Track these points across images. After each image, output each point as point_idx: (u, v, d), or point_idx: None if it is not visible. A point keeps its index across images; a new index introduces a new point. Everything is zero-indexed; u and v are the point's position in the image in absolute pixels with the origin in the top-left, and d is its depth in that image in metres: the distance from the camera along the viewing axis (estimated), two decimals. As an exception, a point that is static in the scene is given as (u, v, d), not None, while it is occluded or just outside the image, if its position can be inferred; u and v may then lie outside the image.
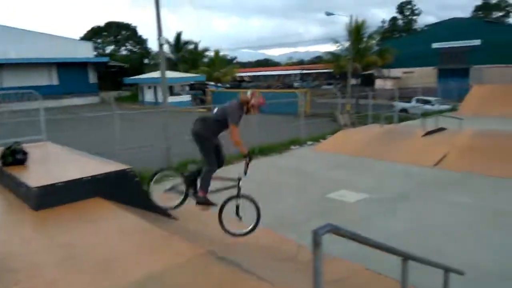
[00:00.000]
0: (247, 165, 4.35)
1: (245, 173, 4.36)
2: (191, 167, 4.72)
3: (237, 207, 4.36)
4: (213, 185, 4.49)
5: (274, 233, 5.51)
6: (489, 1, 63.41)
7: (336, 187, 8.12)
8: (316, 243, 1.91)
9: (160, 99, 29.04)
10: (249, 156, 4.35)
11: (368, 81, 44.99)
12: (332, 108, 18.96)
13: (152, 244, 3.07)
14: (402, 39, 47.99)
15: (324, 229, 1.94)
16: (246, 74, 73.90)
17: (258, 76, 71.20)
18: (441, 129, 12.02)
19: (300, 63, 78.59)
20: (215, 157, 4.41)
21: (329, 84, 51.58)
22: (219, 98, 32.51)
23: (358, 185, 8.29)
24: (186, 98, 35.24)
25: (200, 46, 43.85)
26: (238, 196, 4.36)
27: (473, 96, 21.07)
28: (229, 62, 57.06)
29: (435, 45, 39.62)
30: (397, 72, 42.31)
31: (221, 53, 44.90)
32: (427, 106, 24.46)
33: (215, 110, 4.49)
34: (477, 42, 36.52)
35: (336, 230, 2.04)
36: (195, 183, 4.54)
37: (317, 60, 52.82)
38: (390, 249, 2.50)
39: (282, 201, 7.36)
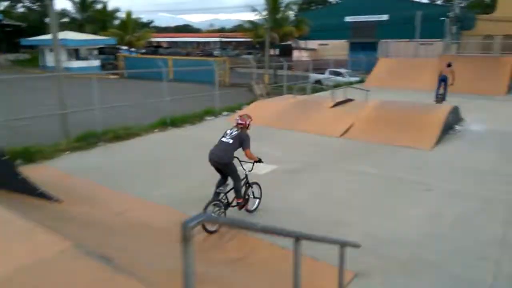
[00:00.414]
0: (253, 164, 5.57)
1: (251, 170, 5.61)
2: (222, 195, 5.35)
3: (252, 192, 5.64)
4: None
5: (176, 211, 5.19)
6: (396, -21, 67.44)
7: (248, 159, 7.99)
8: (186, 237, 1.58)
9: (66, 63, 26.20)
10: (259, 160, 5.50)
11: (286, 52, 45.72)
12: (252, 78, 18.92)
13: (9, 238, 2.54)
14: (318, 11, 49.15)
15: (195, 220, 1.63)
16: (163, 39, 70.37)
17: (177, 42, 68.20)
18: (348, 100, 12.55)
19: (221, 31, 76.89)
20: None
21: (249, 53, 51.34)
22: (133, 64, 30.39)
23: (269, 156, 8.21)
24: (95, 63, 32.35)
25: (110, 6, 40.26)
26: (249, 184, 5.62)
27: (380, 69, 22.46)
28: (144, 26, 53.51)
29: (347, 19, 41.31)
30: (313, 44, 43.52)
31: (135, 16, 41.79)
32: (339, 78, 25.62)
33: (228, 138, 5.39)
34: (385, 17, 38.87)
35: (211, 220, 1.76)
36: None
37: (238, 28, 51.93)
38: (279, 231, 2.33)
39: (190, 176, 7.02)
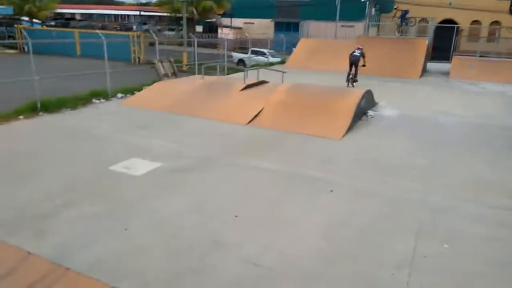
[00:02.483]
0: None
1: None
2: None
3: None
4: None
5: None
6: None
7: (129, 154, 6.52)
8: None
9: None
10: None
11: (212, 29, 43.71)
12: (173, 55, 17.00)
13: None
14: (243, -12, 47.52)
15: None
16: (77, 11, 64.03)
17: (92, 15, 62.38)
18: (262, 82, 11.48)
19: (146, 4, 71.65)
20: None
21: (171, 29, 48.32)
22: (36, 38, 26.41)
23: (157, 149, 6.87)
24: (-12, 36, 27.71)
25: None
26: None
27: (300, 49, 21.81)
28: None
29: (273, -3, 40.34)
30: (238, 22, 42.04)
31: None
32: (262, 58, 24.65)
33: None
34: (309, -3, 38.49)
35: None
36: None
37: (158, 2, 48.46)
38: None
39: (38, 180, 5.38)
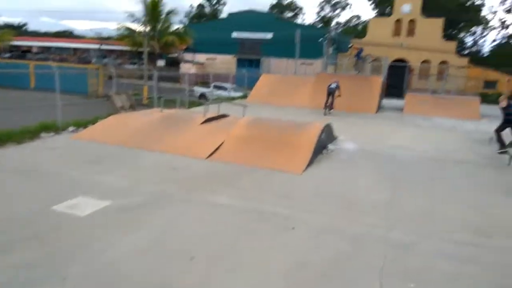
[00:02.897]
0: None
1: None
2: None
3: None
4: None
5: None
6: (282, 2, 71.37)
7: (76, 191, 6.00)
8: None
9: None
10: None
11: (174, 64, 43.80)
12: (134, 89, 16.62)
13: None
14: (206, 24, 48.51)
15: None
16: (34, 44, 62.38)
17: (50, 47, 60.84)
18: (223, 116, 11.32)
19: (108, 38, 70.92)
20: None
21: (133, 63, 47.92)
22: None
23: (107, 186, 6.39)
24: None
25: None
26: None
27: (262, 84, 22.11)
28: (14, 28, 46.14)
29: (234, 34, 41.35)
30: (201, 57, 42.49)
31: (8, 19, 35.41)
32: (223, 92, 24.77)
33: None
34: (269, 35, 39.83)
35: None
36: None
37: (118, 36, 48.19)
38: None
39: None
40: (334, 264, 4.30)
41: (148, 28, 24.87)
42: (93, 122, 11.02)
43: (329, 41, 31.61)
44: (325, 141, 9.63)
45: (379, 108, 19.81)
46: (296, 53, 27.68)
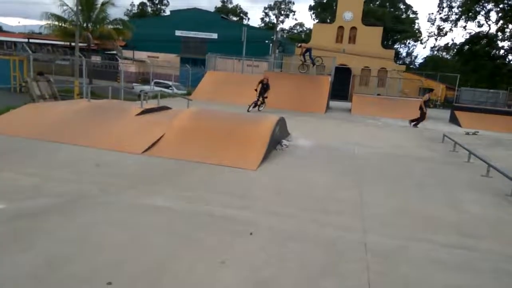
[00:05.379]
0: None
1: None
2: None
3: None
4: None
5: None
6: (226, 5, 70.67)
7: None
8: None
9: None
10: None
11: (112, 61, 40.88)
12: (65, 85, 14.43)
13: None
14: (147, 20, 46.12)
15: None
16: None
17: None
18: (163, 108, 9.95)
19: (39, 34, 64.97)
20: None
21: (66, 60, 43.99)
22: None
23: (5, 186, 4.83)
24: None
25: None
26: None
27: (207, 81, 20.86)
28: None
29: (178, 33, 39.63)
30: (142, 55, 40.12)
31: None
32: (166, 90, 23.14)
33: None
34: (215, 35, 38.63)
35: None
36: None
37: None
38: None
39: None
40: (305, 282, 3.25)
41: (80, 17, 22.50)
42: (6, 110, 9.10)
43: (276, 43, 31.19)
44: (279, 136, 8.66)
45: (328, 108, 19.44)
46: (243, 51, 26.78)
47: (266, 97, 15.65)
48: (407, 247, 4.04)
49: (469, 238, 4.42)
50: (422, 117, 15.70)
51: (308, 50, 19.23)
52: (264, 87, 15.39)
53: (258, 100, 15.46)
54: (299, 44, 19.67)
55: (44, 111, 9.07)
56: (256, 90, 15.32)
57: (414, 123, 15.73)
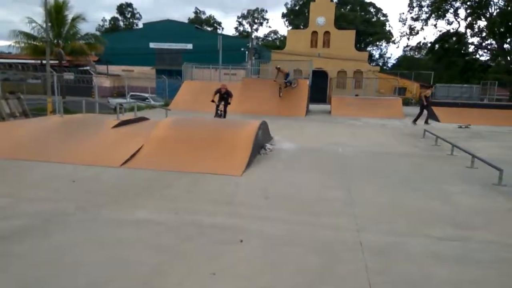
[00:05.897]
0: None
1: None
2: None
3: None
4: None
5: None
6: (200, 16, 70.65)
7: None
8: None
9: None
10: None
11: (86, 77, 40.04)
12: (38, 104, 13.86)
13: None
14: (120, 34, 45.48)
15: None
16: None
17: None
18: (141, 119, 9.64)
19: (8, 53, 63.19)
20: None
21: (37, 78, 42.85)
22: None
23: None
24: None
25: None
26: None
27: (184, 91, 20.57)
28: None
29: (152, 45, 39.25)
30: (116, 69, 39.49)
31: None
32: (142, 103, 22.72)
33: None
34: (190, 46, 38.39)
35: None
36: None
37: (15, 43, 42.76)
38: None
39: None
40: (303, 285, 3.05)
41: (51, 34, 21.85)
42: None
43: (252, 50, 31.21)
44: (262, 140, 8.48)
45: (308, 111, 19.44)
46: (219, 59, 26.60)
47: (229, 103, 13.97)
48: (404, 243, 3.90)
49: (464, 230, 4.32)
50: (420, 113, 16.45)
51: (288, 74, 19.09)
52: (224, 96, 13.74)
53: (218, 110, 13.77)
54: (278, 67, 19.41)
55: (14, 129, 8.62)
56: (213, 101, 13.57)
57: (423, 120, 16.26)
